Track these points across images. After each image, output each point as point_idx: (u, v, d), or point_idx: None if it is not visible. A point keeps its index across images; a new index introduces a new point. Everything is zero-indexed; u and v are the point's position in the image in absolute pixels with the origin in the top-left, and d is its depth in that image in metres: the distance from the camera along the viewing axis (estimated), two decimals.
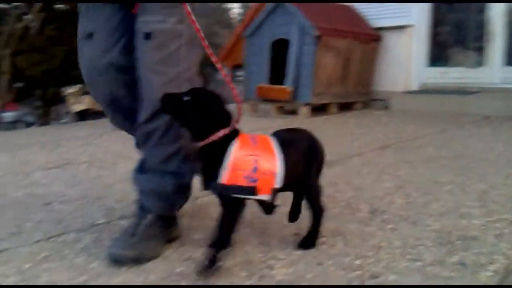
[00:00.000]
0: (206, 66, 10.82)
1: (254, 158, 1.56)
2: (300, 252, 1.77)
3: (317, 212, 1.81)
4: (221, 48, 11.65)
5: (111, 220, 2.16)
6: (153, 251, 1.74)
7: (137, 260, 1.67)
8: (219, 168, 1.54)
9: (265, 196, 1.59)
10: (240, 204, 1.61)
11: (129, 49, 1.79)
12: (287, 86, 5.68)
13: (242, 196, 1.57)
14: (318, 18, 5.67)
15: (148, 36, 1.73)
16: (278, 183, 1.59)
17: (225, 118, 1.61)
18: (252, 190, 1.55)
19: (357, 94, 6.30)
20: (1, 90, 5.70)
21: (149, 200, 1.84)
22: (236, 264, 1.68)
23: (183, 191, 1.89)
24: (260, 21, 6.10)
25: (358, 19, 6.45)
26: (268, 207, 1.81)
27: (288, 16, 5.75)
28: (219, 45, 11.50)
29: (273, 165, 1.59)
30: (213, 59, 1.71)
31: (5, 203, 2.40)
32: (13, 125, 6.53)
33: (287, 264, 1.68)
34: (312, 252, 1.78)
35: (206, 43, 1.71)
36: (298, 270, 1.63)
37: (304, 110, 5.59)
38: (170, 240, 1.87)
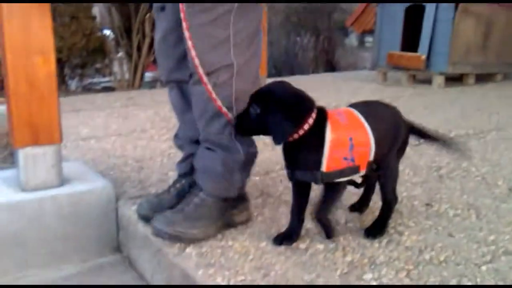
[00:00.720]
0: (335, 30, 10.69)
1: (348, 136, 1.49)
2: (430, 222, 1.77)
3: (390, 200, 1.71)
4: (350, 13, 11.38)
5: None
6: (199, 231, 1.62)
7: (177, 238, 1.60)
8: (316, 157, 1.47)
9: (362, 172, 1.55)
10: (344, 185, 1.58)
11: None
12: (421, 54, 5.45)
13: (345, 179, 1.54)
14: None
15: None
16: (371, 156, 1.54)
17: (304, 107, 1.50)
18: (355, 170, 1.52)
19: (498, 64, 5.86)
20: (144, 52, 6.13)
21: (201, 177, 1.71)
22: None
23: (238, 169, 1.68)
24: None
25: None
26: (358, 182, 1.75)
27: None
28: (347, 10, 11.24)
29: (366, 138, 1.52)
30: None
31: (153, 155, 2.65)
32: (153, 84, 7.02)
33: (417, 232, 1.70)
34: (442, 223, 1.77)
35: None
36: (428, 239, 1.64)
37: (438, 80, 5.35)
38: (235, 223, 1.74)
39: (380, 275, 1.41)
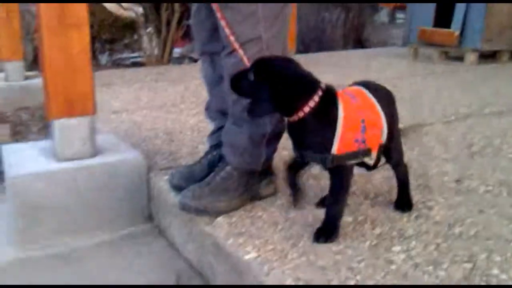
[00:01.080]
0: (365, 6, 10.50)
1: (361, 118, 1.42)
2: (461, 198, 1.76)
3: (405, 173, 1.69)
4: None
5: None
6: (224, 205, 1.64)
7: (202, 211, 1.63)
8: (327, 138, 1.39)
9: (374, 154, 1.48)
10: (351, 169, 1.48)
11: None
12: (454, 30, 5.33)
13: (354, 161, 1.46)
14: None
15: None
16: (383, 137, 1.49)
17: (307, 84, 1.44)
18: (367, 152, 1.45)
19: None
20: (172, 27, 6.15)
21: (227, 151, 1.72)
22: (393, 201, 1.73)
23: (264, 144, 1.69)
24: None
25: None
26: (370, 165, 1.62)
27: None
28: None
29: (378, 119, 1.47)
30: None
31: (183, 128, 2.69)
32: (181, 60, 7.06)
33: (447, 207, 1.69)
34: (473, 199, 1.76)
35: None
36: (458, 214, 1.63)
37: (471, 57, 5.22)
38: (261, 196, 1.75)
39: (409, 247, 1.42)
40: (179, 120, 2.88)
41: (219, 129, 1.84)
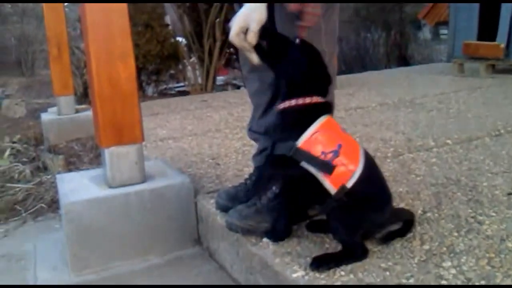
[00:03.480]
0: (407, 24, 10.42)
1: (339, 142, 1.42)
2: None
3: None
4: (422, 5, 11.03)
5: None
6: (270, 225, 1.65)
7: (249, 231, 1.66)
8: (301, 132, 1.42)
9: (330, 187, 1.41)
10: (298, 177, 1.46)
11: None
12: (499, 42, 5.21)
13: (312, 169, 1.41)
14: None
15: None
16: (350, 183, 1.41)
17: (324, 85, 1.49)
18: (329, 168, 1.39)
19: None
20: (215, 56, 6.29)
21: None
22: (443, 217, 1.70)
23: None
24: None
25: None
26: (319, 202, 1.53)
27: None
28: (419, 2, 10.89)
29: (355, 162, 1.42)
30: None
31: (228, 152, 2.73)
32: (224, 87, 7.18)
33: (498, 221, 1.64)
34: None
35: None
36: (510, 228, 1.59)
37: None
38: (308, 217, 1.72)
39: (459, 262, 1.38)
40: (224, 145, 2.93)
41: (263, 150, 1.86)
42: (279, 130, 1.51)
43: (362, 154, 1.46)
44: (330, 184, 1.41)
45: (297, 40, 1.49)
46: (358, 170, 1.42)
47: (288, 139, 1.44)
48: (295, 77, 1.47)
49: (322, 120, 1.44)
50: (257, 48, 1.49)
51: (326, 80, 1.52)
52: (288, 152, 1.43)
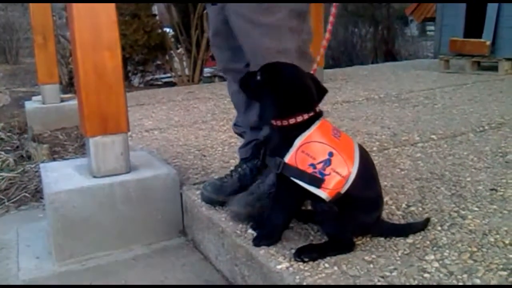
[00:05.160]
0: (394, 19, 10.45)
1: (329, 150, 1.41)
2: (495, 206, 1.74)
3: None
4: (409, 2, 11.07)
5: None
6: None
7: (253, 217, 1.67)
8: (286, 147, 1.42)
9: (326, 196, 1.42)
10: (297, 192, 1.45)
11: None
12: (485, 40, 5.26)
13: (301, 184, 1.41)
14: None
15: None
16: (344, 189, 1.41)
17: (305, 102, 1.46)
18: (317, 182, 1.40)
19: None
20: (202, 48, 6.26)
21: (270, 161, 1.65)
22: (427, 211, 1.71)
23: None
24: None
25: None
26: (317, 210, 1.55)
27: None
28: None
29: (349, 166, 1.41)
30: None
31: (214, 144, 2.73)
32: (212, 79, 7.16)
33: (481, 216, 1.66)
34: (508, 207, 1.73)
35: None
36: (492, 223, 1.61)
37: (504, 66, 5.14)
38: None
39: (442, 256, 1.40)
40: (210, 136, 2.92)
41: (249, 142, 1.87)
42: (270, 145, 1.52)
43: (357, 154, 1.45)
44: (324, 193, 1.41)
45: (258, 76, 1.49)
46: (352, 174, 1.42)
47: (277, 153, 1.45)
48: (271, 109, 1.46)
49: (307, 132, 1.42)
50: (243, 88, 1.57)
51: (308, 94, 1.47)
52: (276, 169, 1.45)
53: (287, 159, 1.42)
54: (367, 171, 1.49)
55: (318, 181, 1.40)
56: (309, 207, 1.64)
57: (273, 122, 1.47)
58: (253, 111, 1.77)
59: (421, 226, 1.58)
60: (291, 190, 1.45)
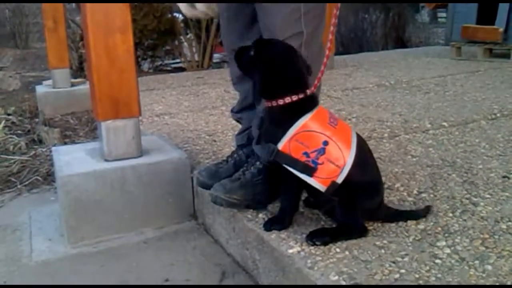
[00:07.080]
0: (405, 6, 10.34)
1: (324, 139, 1.39)
2: (507, 193, 1.73)
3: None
4: None
5: None
6: (257, 197, 1.68)
7: (233, 205, 1.67)
8: (280, 134, 1.41)
9: (319, 186, 1.41)
10: (298, 181, 1.43)
11: None
12: (498, 27, 5.20)
13: (294, 172, 1.41)
14: None
15: None
16: (340, 178, 1.40)
17: (292, 82, 1.44)
18: (309, 171, 1.39)
19: None
20: (212, 33, 6.24)
21: (257, 148, 1.65)
22: (438, 198, 1.71)
23: None
24: None
25: None
26: (315, 199, 1.60)
27: None
28: None
29: (345, 155, 1.40)
30: None
31: (225, 129, 2.73)
32: (221, 65, 7.14)
33: (493, 203, 1.66)
34: None
35: None
36: (505, 210, 1.60)
37: None
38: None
39: (454, 242, 1.40)
40: (220, 121, 2.92)
41: (245, 129, 1.88)
42: (265, 128, 1.52)
43: (354, 143, 1.44)
44: (318, 183, 1.41)
45: (251, 51, 1.49)
46: (348, 164, 1.40)
47: (271, 139, 1.44)
48: (258, 85, 1.46)
49: (302, 120, 1.41)
50: (237, 59, 1.57)
51: (298, 75, 1.47)
52: (269, 156, 1.44)
53: (281, 146, 1.41)
54: (365, 158, 1.48)
55: (310, 170, 1.40)
56: None
57: (265, 103, 1.48)
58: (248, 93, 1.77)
59: (423, 213, 1.58)
60: (292, 173, 1.44)
